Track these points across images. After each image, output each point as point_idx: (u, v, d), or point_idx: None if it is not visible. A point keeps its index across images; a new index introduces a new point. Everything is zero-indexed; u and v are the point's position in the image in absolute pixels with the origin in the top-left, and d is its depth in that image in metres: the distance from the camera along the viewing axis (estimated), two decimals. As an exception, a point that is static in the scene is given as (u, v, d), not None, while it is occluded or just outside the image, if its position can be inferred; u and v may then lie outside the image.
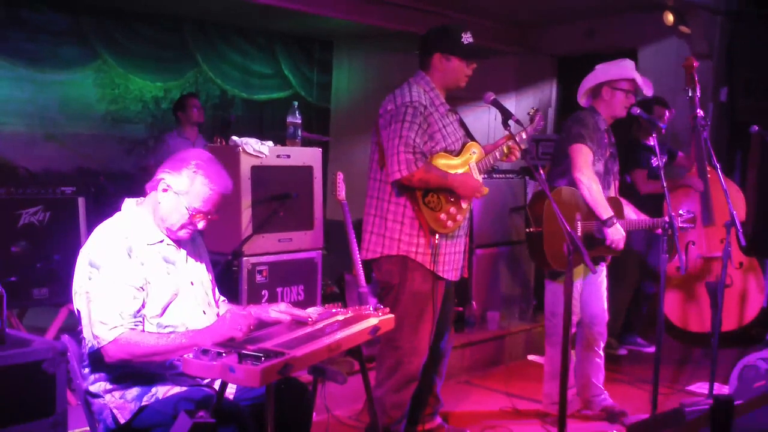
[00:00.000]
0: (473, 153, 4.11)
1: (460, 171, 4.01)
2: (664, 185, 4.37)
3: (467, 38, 4.02)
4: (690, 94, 5.34)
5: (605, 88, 4.65)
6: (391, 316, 3.18)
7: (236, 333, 2.72)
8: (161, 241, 3.00)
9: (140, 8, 8.48)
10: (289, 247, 4.84)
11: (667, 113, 6.13)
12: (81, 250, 2.89)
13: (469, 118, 8.84)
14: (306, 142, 5.22)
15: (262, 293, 4.67)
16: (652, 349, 6.35)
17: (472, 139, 4.20)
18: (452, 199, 3.98)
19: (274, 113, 9.62)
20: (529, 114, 4.42)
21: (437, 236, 3.98)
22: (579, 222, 4.45)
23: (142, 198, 3.06)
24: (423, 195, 3.92)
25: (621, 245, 4.55)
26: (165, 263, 2.98)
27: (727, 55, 7.58)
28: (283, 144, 4.94)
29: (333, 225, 6.19)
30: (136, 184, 3.08)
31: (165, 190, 2.96)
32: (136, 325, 2.81)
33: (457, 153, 4.05)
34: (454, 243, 4.10)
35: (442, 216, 3.96)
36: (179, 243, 3.06)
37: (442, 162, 3.96)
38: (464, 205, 4.04)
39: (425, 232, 3.97)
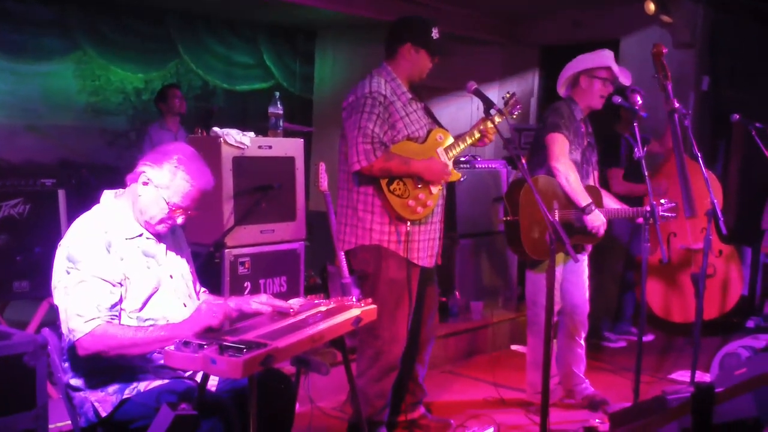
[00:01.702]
0: (439, 139, 4.11)
1: (425, 158, 4.01)
2: (646, 174, 4.39)
3: (436, 33, 4.05)
4: (663, 82, 5.34)
5: (583, 77, 4.66)
6: (374, 306, 3.18)
7: (212, 320, 2.72)
8: (140, 235, 2.98)
9: (126, -1, 8.45)
10: (272, 238, 4.82)
11: (639, 99, 6.10)
12: (60, 243, 2.87)
13: (451, 108, 8.93)
14: (288, 133, 5.19)
15: (245, 285, 4.65)
16: (646, 338, 6.39)
17: (439, 125, 4.20)
18: (420, 186, 3.98)
19: (257, 104, 9.58)
20: (503, 98, 4.38)
21: (409, 223, 3.99)
22: (557, 210, 4.46)
23: (121, 190, 3.03)
24: (388, 183, 3.92)
25: (602, 231, 4.57)
26: (145, 257, 2.96)
27: (710, 44, 7.61)
28: (265, 135, 4.91)
29: (316, 216, 6.18)
30: (119, 176, 3.06)
31: (145, 183, 2.94)
32: (112, 318, 2.79)
33: (423, 140, 4.05)
34: (427, 229, 4.11)
35: (411, 202, 3.96)
36: (159, 236, 3.04)
37: (406, 149, 3.96)
38: (434, 191, 4.04)
39: (395, 220, 3.98)
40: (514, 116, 4.40)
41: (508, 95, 4.38)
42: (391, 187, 3.93)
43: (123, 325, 2.82)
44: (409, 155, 3.94)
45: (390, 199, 3.93)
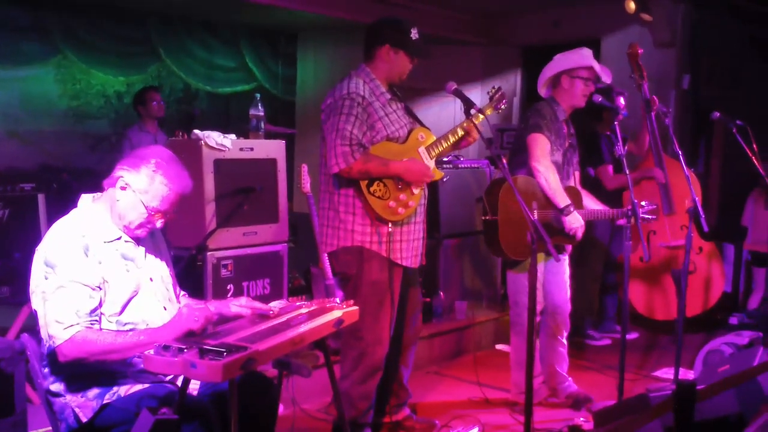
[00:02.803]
0: (421, 138, 4.10)
1: (406, 158, 4.00)
2: (627, 172, 4.40)
3: (415, 34, 4.03)
4: (639, 82, 5.36)
5: (564, 77, 4.65)
6: (356, 308, 3.17)
7: (193, 324, 2.69)
8: (119, 238, 2.95)
9: (103, 2, 8.37)
10: (254, 240, 4.80)
11: (623, 100, 6.11)
12: (37, 248, 2.84)
13: (434, 109, 8.93)
14: (270, 135, 5.17)
15: (228, 288, 4.62)
16: (630, 336, 6.40)
17: (421, 125, 4.19)
18: (401, 186, 3.97)
19: (240, 106, 9.56)
20: (488, 93, 4.37)
21: (390, 224, 3.98)
22: (536, 211, 4.46)
23: (99, 193, 3.01)
24: (368, 185, 3.91)
25: (580, 233, 4.57)
26: (123, 260, 2.93)
27: (691, 42, 7.64)
28: (247, 137, 4.89)
29: (299, 218, 6.15)
30: (101, 180, 3.06)
31: (123, 188, 2.92)
32: (92, 324, 2.77)
33: (404, 140, 4.05)
34: (410, 230, 4.09)
35: (392, 204, 3.95)
36: (138, 239, 3.02)
37: (386, 150, 3.95)
38: (416, 191, 4.03)
39: (376, 221, 3.97)
40: (500, 110, 4.38)
41: (493, 90, 4.37)
42: (371, 189, 3.92)
43: (103, 330, 2.80)
44: (389, 156, 3.93)
45: (370, 201, 3.92)
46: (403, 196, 3.98)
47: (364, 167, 3.85)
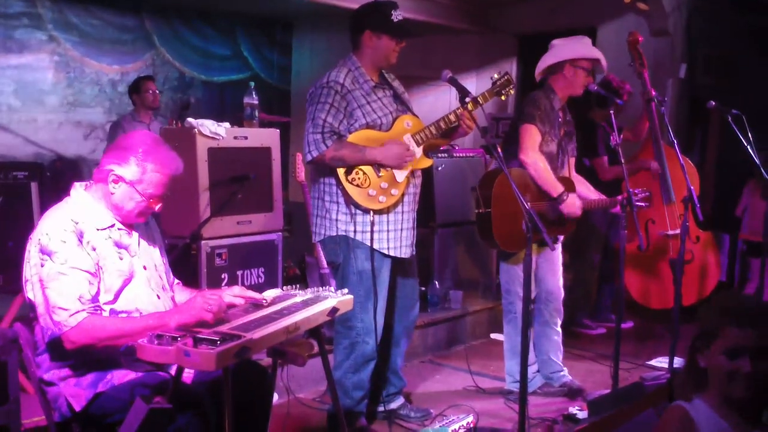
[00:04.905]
0: (407, 125, 4.04)
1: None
2: (622, 161, 4.38)
3: (397, 16, 3.98)
4: (639, 70, 5.34)
5: (568, 66, 4.58)
6: (350, 297, 3.16)
7: (206, 315, 2.66)
8: (112, 226, 2.94)
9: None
10: (249, 229, 4.78)
11: (629, 87, 6.11)
12: (30, 236, 2.82)
13: (429, 98, 8.92)
14: (265, 124, 5.15)
15: (222, 276, 4.61)
16: (625, 325, 6.40)
17: (412, 113, 4.15)
18: (381, 174, 3.93)
19: (234, 95, 9.54)
20: (492, 78, 4.24)
21: (372, 212, 3.94)
22: (528, 203, 4.43)
23: (91, 181, 3.00)
24: (346, 173, 3.88)
25: (579, 213, 4.56)
26: (116, 248, 2.92)
27: (687, 31, 7.63)
28: (241, 125, 4.87)
29: (295, 206, 6.15)
30: (93, 168, 3.05)
31: (116, 182, 2.90)
32: (95, 310, 2.76)
33: (388, 127, 4.00)
34: (396, 219, 4.04)
35: (371, 191, 3.91)
36: (131, 227, 3.01)
37: (365, 138, 3.91)
38: (400, 179, 3.98)
39: (358, 210, 3.94)
40: (505, 96, 4.24)
41: (497, 75, 4.22)
42: (350, 177, 3.88)
43: (109, 316, 2.79)
44: (369, 144, 3.89)
45: (348, 189, 3.88)
46: (384, 183, 3.94)
47: (337, 154, 3.82)
